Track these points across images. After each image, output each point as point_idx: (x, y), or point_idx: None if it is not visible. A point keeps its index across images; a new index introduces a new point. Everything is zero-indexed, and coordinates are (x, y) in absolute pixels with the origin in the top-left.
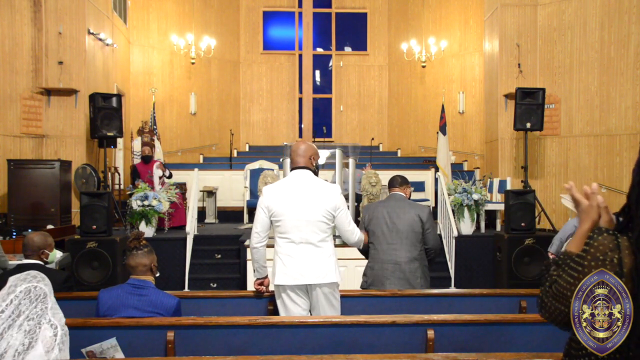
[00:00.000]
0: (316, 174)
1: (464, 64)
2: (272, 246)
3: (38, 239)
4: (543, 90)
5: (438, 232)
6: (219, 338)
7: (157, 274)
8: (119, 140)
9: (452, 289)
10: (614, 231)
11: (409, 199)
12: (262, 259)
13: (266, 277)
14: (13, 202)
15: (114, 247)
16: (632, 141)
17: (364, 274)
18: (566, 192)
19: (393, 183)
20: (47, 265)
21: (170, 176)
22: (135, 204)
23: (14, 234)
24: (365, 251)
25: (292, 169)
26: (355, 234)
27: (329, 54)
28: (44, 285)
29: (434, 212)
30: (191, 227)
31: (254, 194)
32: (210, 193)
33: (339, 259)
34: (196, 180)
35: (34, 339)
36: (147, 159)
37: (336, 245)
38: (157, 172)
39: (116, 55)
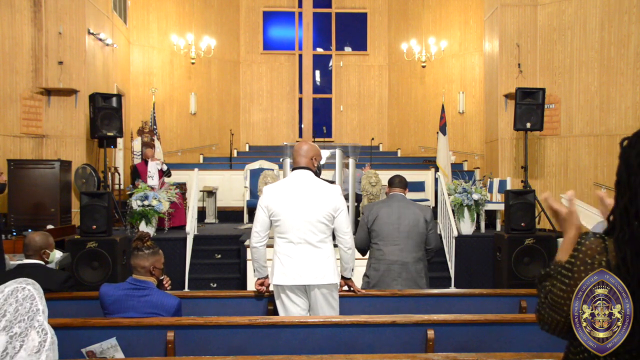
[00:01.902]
0: (318, 175)
1: (464, 64)
2: (272, 246)
3: (39, 238)
4: (543, 90)
5: (438, 232)
6: (219, 338)
7: (162, 277)
8: (119, 140)
9: (452, 289)
10: (601, 234)
11: None
12: (261, 258)
13: (267, 277)
14: (13, 202)
15: (114, 247)
16: None
17: (366, 275)
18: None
19: (393, 183)
20: (47, 265)
21: (169, 174)
22: (135, 204)
23: (14, 233)
24: (363, 249)
25: (293, 169)
26: (352, 238)
27: (329, 54)
28: (32, 288)
29: (434, 212)
30: (191, 227)
31: (254, 194)
32: (210, 193)
33: (338, 259)
34: (196, 180)
35: (24, 341)
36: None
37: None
38: (153, 165)
39: (116, 55)
